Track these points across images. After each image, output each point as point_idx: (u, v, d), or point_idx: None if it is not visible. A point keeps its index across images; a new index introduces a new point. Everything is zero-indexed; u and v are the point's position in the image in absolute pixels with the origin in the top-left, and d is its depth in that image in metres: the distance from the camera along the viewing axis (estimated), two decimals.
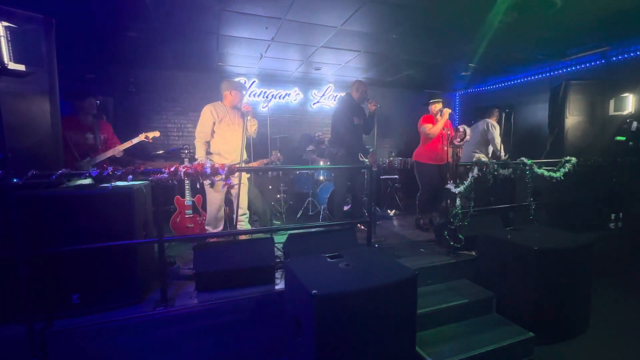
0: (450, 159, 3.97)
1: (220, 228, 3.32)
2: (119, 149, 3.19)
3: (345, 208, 4.08)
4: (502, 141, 4.55)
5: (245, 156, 3.26)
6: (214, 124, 3.09)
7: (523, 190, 3.42)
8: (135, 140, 3.25)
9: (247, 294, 2.27)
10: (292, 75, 5.73)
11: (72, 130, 3.10)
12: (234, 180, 2.94)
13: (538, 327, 2.38)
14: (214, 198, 3.22)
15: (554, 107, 4.16)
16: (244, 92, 3.18)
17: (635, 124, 3.77)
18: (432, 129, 3.93)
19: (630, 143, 3.81)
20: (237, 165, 2.42)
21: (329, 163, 5.28)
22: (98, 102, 3.32)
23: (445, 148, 3.97)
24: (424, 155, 4.08)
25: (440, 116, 3.99)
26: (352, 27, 3.54)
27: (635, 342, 2.51)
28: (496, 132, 4.45)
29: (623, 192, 3.87)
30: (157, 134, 3.37)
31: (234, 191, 3.27)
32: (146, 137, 3.28)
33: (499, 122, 4.59)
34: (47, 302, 1.92)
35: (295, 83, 6.22)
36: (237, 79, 5.65)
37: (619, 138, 3.90)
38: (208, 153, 3.19)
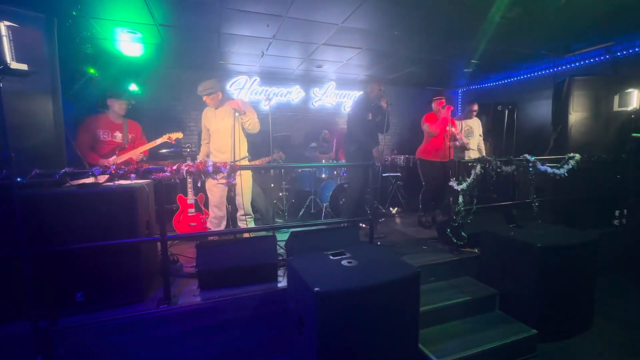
0: (452, 156, 3.96)
1: (223, 226, 3.32)
2: (142, 149, 3.22)
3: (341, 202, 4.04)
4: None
5: (242, 154, 3.23)
6: (205, 126, 3.25)
7: (526, 187, 3.40)
8: (158, 141, 3.26)
9: (250, 291, 2.28)
10: (293, 73, 5.72)
11: (101, 128, 3.14)
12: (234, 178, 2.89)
13: (541, 324, 2.38)
14: (214, 196, 3.23)
15: (558, 103, 4.13)
16: (216, 92, 3.12)
17: None
18: (433, 126, 3.92)
19: None
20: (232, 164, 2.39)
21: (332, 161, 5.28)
22: (133, 102, 3.34)
23: (449, 145, 3.95)
24: (427, 152, 4.07)
25: (442, 113, 3.98)
26: (353, 24, 3.53)
27: (639, 339, 2.50)
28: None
29: (627, 188, 3.84)
30: (180, 135, 3.35)
31: (237, 189, 3.26)
32: (169, 138, 3.29)
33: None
34: (51, 300, 1.94)
35: (296, 81, 6.20)
36: (237, 78, 5.67)
37: (635, 135, 3.83)
38: (209, 153, 3.30)
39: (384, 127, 3.72)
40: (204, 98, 3.15)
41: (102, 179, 2.08)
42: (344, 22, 3.49)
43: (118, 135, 3.22)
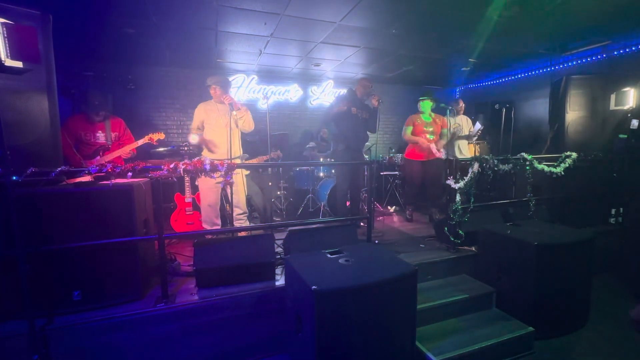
0: (436, 156, 3.98)
1: (218, 226, 3.31)
2: (125, 150, 3.18)
3: (347, 203, 4.08)
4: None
5: (239, 152, 3.21)
6: (202, 121, 3.24)
7: (523, 186, 3.41)
8: (140, 142, 3.22)
9: (248, 290, 2.28)
10: (291, 71, 5.71)
11: (82, 129, 3.09)
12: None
13: (538, 321, 2.39)
14: (207, 195, 3.21)
15: (555, 102, 4.14)
16: (227, 87, 3.21)
17: (635, 122, 3.76)
18: (405, 134, 4.06)
19: (633, 140, 3.80)
20: (228, 161, 2.38)
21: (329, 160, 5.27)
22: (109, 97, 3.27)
23: (431, 146, 3.96)
24: (409, 152, 4.21)
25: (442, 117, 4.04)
26: (351, 22, 3.52)
27: (634, 336, 2.52)
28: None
29: (623, 187, 3.86)
30: (162, 135, 3.29)
31: (229, 189, 3.24)
32: (150, 139, 3.24)
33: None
34: (48, 299, 1.93)
35: (294, 79, 6.19)
36: (235, 76, 5.65)
37: (621, 136, 3.88)
38: (201, 139, 3.25)
39: (373, 126, 3.71)
40: (211, 88, 3.17)
41: (86, 178, 2.06)
42: (342, 20, 3.48)
43: (100, 135, 3.16)
